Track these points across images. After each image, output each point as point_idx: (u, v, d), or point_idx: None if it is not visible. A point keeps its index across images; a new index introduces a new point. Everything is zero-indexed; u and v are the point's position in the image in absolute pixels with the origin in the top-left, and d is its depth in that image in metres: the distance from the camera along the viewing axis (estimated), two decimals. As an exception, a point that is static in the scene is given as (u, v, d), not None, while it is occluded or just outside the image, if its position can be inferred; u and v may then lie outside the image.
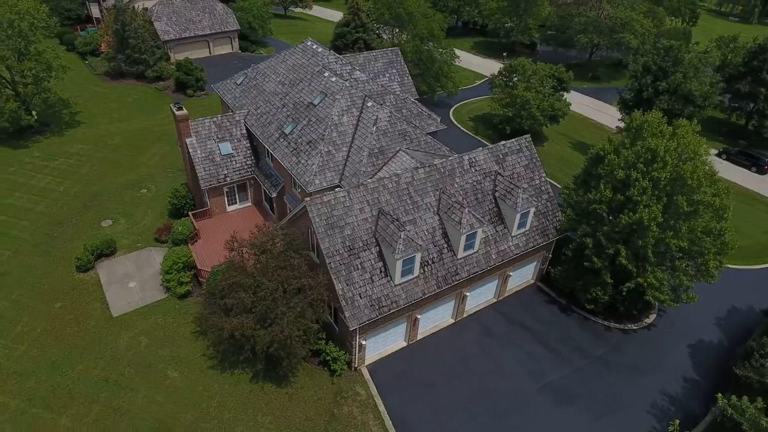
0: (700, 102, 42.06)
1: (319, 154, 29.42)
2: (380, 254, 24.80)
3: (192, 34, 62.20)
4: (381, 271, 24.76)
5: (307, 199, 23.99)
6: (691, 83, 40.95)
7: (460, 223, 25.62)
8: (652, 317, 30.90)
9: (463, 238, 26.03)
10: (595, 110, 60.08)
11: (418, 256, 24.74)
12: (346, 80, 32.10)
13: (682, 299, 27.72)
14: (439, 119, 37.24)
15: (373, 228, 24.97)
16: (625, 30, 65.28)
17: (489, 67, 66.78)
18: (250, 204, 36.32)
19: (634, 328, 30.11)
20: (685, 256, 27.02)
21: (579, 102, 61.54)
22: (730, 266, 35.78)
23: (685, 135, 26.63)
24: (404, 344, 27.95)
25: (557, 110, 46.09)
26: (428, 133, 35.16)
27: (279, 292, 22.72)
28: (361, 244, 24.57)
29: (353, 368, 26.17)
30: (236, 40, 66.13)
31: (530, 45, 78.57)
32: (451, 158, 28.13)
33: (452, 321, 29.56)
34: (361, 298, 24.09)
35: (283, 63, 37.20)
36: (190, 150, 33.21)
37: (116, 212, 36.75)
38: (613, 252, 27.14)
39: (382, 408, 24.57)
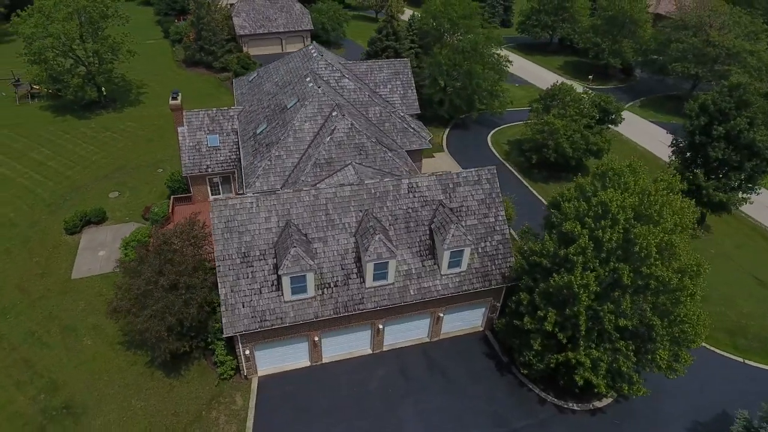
0: (768, 155, 34.09)
1: (269, 158, 29.40)
2: (276, 267, 24.09)
3: (266, 31, 66.01)
4: (273, 285, 24.02)
5: (211, 199, 24.12)
6: (757, 131, 33.30)
7: (367, 250, 23.88)
8: (606, 401, 25.97)
9: (371, 266, 24.23)
10: (666, 147, 51.99)
11: (310, 276, 23.56)
12: (320, 87, 31.64)
13: (623, 389, 22.84)
14: (429, 138, 35.07)
15: (275, 239, 24.33)
16: (733, 62, 55.56)
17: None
18: (233, 195, 37.47)
19: (575, 408, 25.57)
20: (626, 338, 22.25)
21: (654, 136, 53.93)
22: (752, 364, 28.99)
23: (655, 192, 21.90)
24: (308, 364, 26.90)
25: (592, 144, 40.69)
26: (409, 151, 33.47)
27: (158, 285, 23.17)
28: (258, 253, 24.07)
29: (243, 376, 25.83)
30: (309, 39, 68.64)
31: (626, 69, 70.51)
32: (387, 180, 26.31)
33: (370, 351, 27.74)
34: (243, 307, 23.62)
35: (285, 65, 37.84)
36: (180, 138, 35.27)
37: (127, 186, 40.38)
38: (544, 315, 23.32)
39: (250, 423, 23.90)
